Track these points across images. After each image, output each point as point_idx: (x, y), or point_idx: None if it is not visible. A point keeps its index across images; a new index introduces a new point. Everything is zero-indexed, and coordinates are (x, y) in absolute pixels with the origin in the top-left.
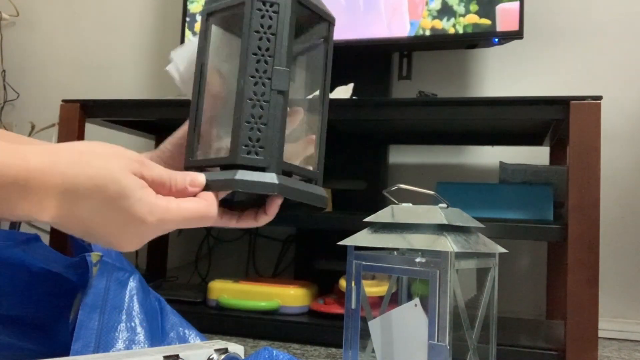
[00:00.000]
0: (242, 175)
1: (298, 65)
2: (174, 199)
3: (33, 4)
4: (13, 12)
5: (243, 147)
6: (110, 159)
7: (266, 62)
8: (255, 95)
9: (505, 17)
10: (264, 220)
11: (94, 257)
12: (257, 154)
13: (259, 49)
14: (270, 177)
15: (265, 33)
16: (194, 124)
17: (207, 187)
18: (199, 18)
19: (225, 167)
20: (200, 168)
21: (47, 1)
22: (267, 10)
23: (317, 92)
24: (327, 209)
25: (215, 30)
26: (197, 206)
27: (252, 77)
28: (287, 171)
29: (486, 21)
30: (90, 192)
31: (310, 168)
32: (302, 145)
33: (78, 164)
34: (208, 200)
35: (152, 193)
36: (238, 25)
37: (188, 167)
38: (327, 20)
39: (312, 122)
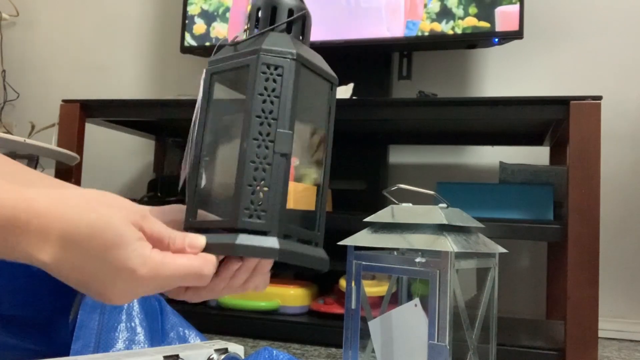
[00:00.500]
0: (243, 239)
1: (300, 124)
2: (171, 254)
3: (33, 4)
4: (13, 12)
5: (244, 211)
6: (112, 208)
7: (269, 125)
8: (258, 157)
9: (505, 20)
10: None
11: None
12: (259, 217)
13: (263, 111)
14: (272, 242)
15: (269, 96)
16: (194, 184)
17: (207, 250)
18: (197, 20)
19: (225, 228)
20: (199, 229)
21: (47, 1)
22: (272, 74)
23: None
24: (324, 267)
25: (217, 88)
26: (192, 263)
27: (255, 139)
28: (288, 234)
29: (485, 24)
30: (88, 238)
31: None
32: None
33: (82, 209)
34: (205, 259)
35: (148, 246)
36: (242, 85)
37: (187, 229)
38: (330, 81)
39: (313, 181)
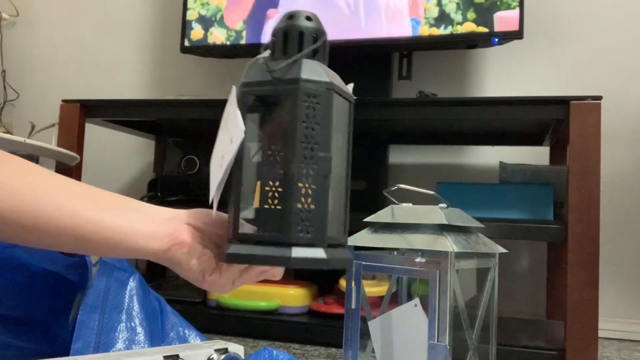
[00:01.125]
0: (297, 252)
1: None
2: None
3: (33, 4)
4: (13, 12)
5: (297, 227)
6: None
7: (312, 150)
8: (305, 179)
9: (504, 24)
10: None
11: (93, 257)
12: (308, 232)
13: (306, 137)
14: (321, 253)
15: (310, 123)
16: (237, 200)
17: (259, 261)
18: (194, 26)
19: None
20: (243, 239)
21: (47, 1)
22: (312, 102)
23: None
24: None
25: (252, 108)
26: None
27: (302, 164)
28: (330, 244)
29: (484, 29)
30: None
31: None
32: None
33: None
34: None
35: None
36: (278, 109)
37: (232, 240)
38: (350, 101)
39: (336, 193)
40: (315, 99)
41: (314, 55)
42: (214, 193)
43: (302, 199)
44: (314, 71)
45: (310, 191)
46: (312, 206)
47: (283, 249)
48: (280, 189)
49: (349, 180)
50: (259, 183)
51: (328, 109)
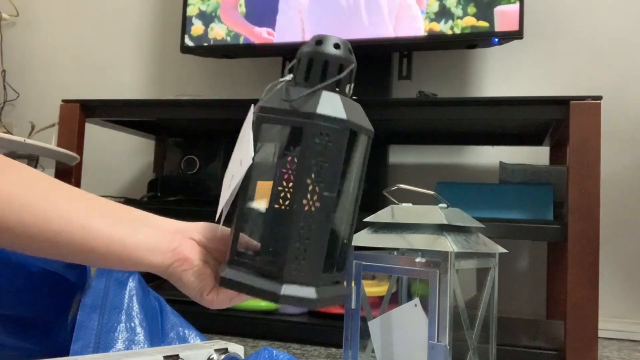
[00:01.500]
0: (287, 290)
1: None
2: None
3: (33, 4)
4: (13, 12)
5: (291, 265)
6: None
7: (317, 189)
8: (305, 219)
9: (504, 19)
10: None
11: None
12: (301, 271)
13: (313, 176)
14: (310, 293)
15: (319, 162)
16: (241, 224)
17: (249, 292)
18: (195, 21)
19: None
20: (240, 263)
21: (47, 1)
22: (323, 140)
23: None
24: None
25: (263, 135)
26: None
27: (304, 202)
28: (324, 283)
29: (484, 23)
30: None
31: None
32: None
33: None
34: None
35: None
36: (291, 139)
37: (231, 264)
38: (368, 135)
39: (340, 223)
40: (327, 137)
41: (337, 85)
42: (220, 210)
43: (300, 239)
44: (332, 106)
45: (310, 231)
46: (310, 246)
47: (275, 284)
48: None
49: (355, 215)
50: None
51: (340, 148)
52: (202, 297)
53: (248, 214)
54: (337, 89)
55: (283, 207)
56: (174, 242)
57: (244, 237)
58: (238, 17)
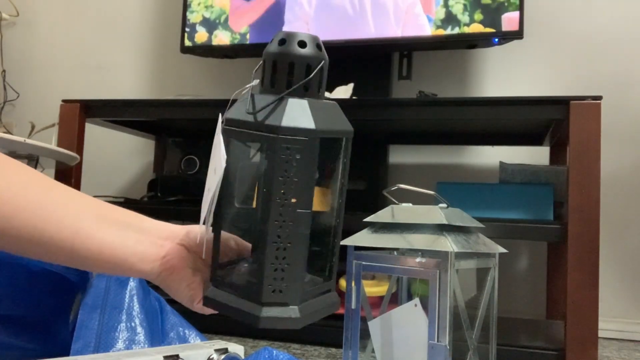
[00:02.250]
0: (267, 312)
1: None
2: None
3: (33, 4)
4: (13, 12)
5: (268, 286)
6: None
7: (289, 207)
8: (279, 238)
9: (510, 26)
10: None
11: None
12: (281, 291)
13: (283, 193)
14: (293, 312)
15: (288, 177)
16: (217, 240)
17: (231, 313)
18: (198, 29)
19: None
20: (221, 282)
21: (47, 1)
22: (291, 155)
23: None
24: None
25: (235, 146)
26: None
27: (276, 222)
28: (305, 299)
29: (491, 30)
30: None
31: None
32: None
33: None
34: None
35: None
36: (260, 150)
37: (214, 281)
38: (343, 137)
39: (327, 231)
40: (295, 151)
41: (306, 89)
42: (202, 222)
43: (276, 258)
44: (299, 115)
45: (285, 249)
46: (287, 265)
47: (255, 306)
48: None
49: (341, 219)
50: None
51: (310, 160)
52: (192, 305)
53: (225, 224)
54: (306, 92)
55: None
56: (163, 249)
57: (236, 240)
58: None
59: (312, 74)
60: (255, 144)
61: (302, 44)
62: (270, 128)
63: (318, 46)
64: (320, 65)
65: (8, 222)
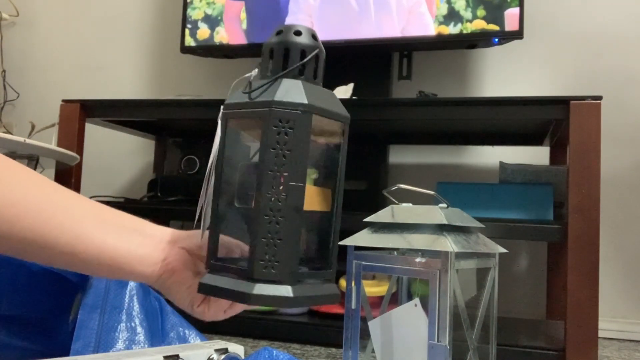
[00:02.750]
0: (259, 289)
1: (312, 161)
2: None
3: (33, 4)
4: (13, 12)
5: (260, 262)
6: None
7: (282, 179)
8: (272, 211)
9: (513, 21)
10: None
11: None
12: (273, 268)
13: (275, 165)
14: (286, 291)
15: (281, 150)
16: (214, 228)
17: (225, 295)
18: (200, 25)
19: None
20: (217, 268)
21: (47, 1)
22: (284, 127)
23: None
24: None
25: (234, 132)
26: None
27: (268, 194)
28: (300, 279)
29: (494, 27)
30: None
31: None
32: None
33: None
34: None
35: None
36: (256, 132)
37: (211, 268)
38: (341, 121)
39: (327, 217)
40: (287, 124)
41: (301, 73)
42: (197, 215)
43: (269, 233)
44: (292, 92)
45: (278, 224)
46: (279, 240)
47: (247, 284)
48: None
49: (339, 206)
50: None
51: (303, 134)
52: (192, 309)
53: (223, 215)
54: (301, 75)
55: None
56: (163, 252)
57: (230, 241)
58: (239, 32)
59: (307, 58)
60: (255, 144)
61: (298, 33)
62: (264, 103)
63: (314, 36)
64: (315, 52)
65: (10, 227)
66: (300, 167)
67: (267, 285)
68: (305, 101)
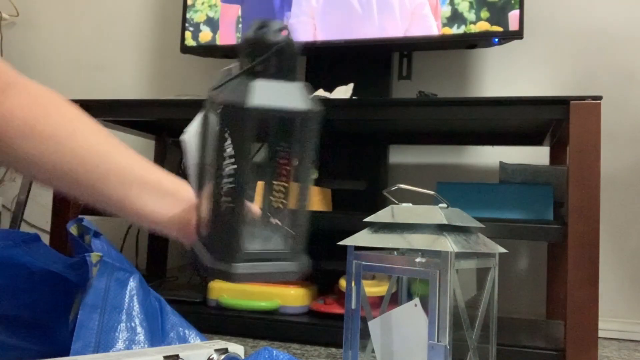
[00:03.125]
0: (212, 263)
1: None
2: None
3: (33, 4)
4: (13, 12)
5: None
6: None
7: (224, 167)
8: (216, 184)
9: (513, 21)
10: None
11: (93, 257)
12: (214, 239)
13: (216, 159)
14: (226, 267)
15: (224, 145)
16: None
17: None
18: (202, 28)
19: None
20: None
21: (47, 1)
22: (224, 124)
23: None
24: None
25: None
26: None
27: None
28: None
29: (498, 29)
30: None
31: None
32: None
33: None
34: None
35: None
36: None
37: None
38: (294, 115)
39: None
40: (227, 120)
41: (266, 68)
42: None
43: (216, 205)
44: (238, 90)
45: (221, 194)
46: (223, 216)
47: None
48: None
49: (308, 185)
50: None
51: (241, 129)
52: None
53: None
54: (264, 72)
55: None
56: (187, 215)
57: None
58: (234, 36)
59: (265, 56)
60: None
61: (263, 27)
62: (209, 98)
63: (281, 29)
64: (275, 48)
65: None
66: (242, 155)
67: (214, 260)
68: (242, 100)
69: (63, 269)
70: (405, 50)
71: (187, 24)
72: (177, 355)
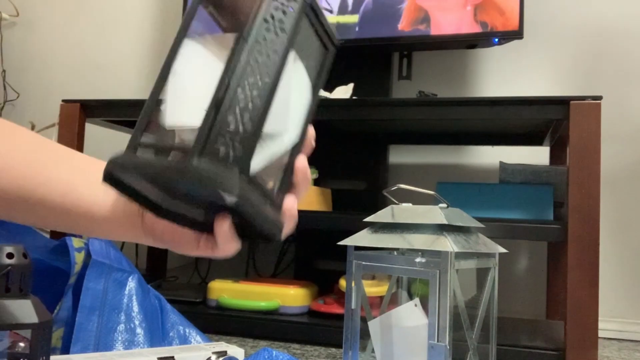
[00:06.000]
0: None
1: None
2: None
3: (33, 4)
4: (13, 12)
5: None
6: None
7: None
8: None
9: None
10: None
11: (75, 242)
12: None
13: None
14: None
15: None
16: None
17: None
18: None
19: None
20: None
21: (47, 1)
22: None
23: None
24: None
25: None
26: None
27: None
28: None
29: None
30: None
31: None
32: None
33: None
34: None
35: None
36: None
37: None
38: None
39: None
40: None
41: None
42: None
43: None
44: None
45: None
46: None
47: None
48: None
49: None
50: None
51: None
52: (198, 247)
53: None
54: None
55: None
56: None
57: None
58: None
59: None
60: None
61: None
62: None
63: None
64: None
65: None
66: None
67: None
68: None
69: (47, 256)
70: (405, 50)
71: None
72: (172, 357)
